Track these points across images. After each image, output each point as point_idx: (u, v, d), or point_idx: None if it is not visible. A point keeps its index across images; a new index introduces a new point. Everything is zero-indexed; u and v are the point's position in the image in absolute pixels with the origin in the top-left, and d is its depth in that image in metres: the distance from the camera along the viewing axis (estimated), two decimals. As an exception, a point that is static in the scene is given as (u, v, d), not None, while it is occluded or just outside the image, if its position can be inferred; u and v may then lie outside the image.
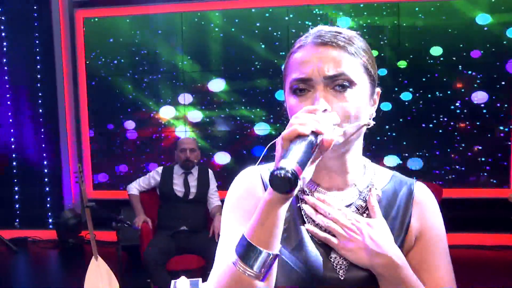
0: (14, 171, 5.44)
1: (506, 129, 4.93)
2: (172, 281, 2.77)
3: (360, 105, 0.90)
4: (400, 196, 0.98)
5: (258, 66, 5.15)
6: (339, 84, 0.88)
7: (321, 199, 0.94)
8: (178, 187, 3.62)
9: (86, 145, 5.44)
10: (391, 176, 1.02)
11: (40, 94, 5.36)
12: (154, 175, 3.74)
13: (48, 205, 5.48)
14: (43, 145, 5.41)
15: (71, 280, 4.34)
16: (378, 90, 0.98)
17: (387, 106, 4.93)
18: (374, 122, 0.96)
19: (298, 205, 0.98)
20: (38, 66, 5.35)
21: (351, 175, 0.98)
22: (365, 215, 0.96)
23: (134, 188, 3.74)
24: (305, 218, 0.96)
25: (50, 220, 5.47)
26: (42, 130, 5.39)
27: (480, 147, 5.03)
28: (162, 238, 3.44)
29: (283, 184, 0.72)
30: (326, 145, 0.81)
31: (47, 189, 5.46)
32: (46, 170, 5.45)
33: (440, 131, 5.02)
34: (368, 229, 0.91)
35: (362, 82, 0.91)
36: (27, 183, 5.45)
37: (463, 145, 5.04)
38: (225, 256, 0.87)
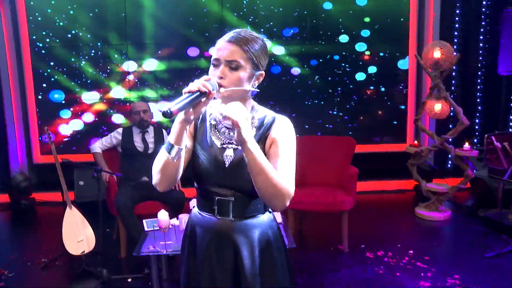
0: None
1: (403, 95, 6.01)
2: (144, 221, 3.40)
3: (242, 79, 1.54)
4: (267, 121, 1.64)
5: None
6: (231, 66, 1.53)
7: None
8: (138, 144, 4.17)
9: (32, 110, 5.71)
10: (268, 113, 1.68)
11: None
12: (115, 135, 4.24)
13: (-6, 171, 5.70)
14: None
15: (30, 237, 4.74)
16: (261, 72, 1.61)
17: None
18: (258, 90, 1.64)
19: (210, 122, 1.68)
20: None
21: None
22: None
23: (98, 147, 4.22)
24: (212, 133, 1.67)
25: (-3, 185, 5.71)
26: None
27: (383, 111, 6.07)
28: (127, 189, 3.99)
29: (164, 114, 1.38)
30: (209, 96, 1.46)
31: (-7, 155, 5.67)
32: (-9, 137, 5.65)
33: (355, 97, 5.99)
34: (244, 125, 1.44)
35: (246, 67, 1.54)
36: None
37: (370, 109, 6.05)
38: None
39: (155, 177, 1.60)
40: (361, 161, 4.94)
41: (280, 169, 1.56)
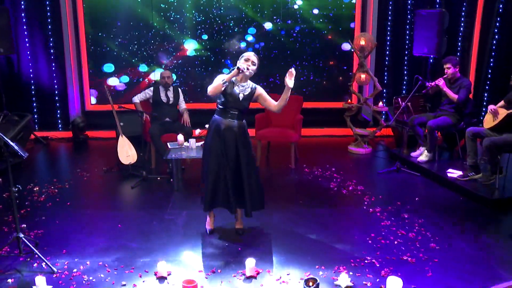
0: (32, 92, 7.96)
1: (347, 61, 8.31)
2: (167, 143, 5.97)
3: (254, 68, 4.09)
4: (254, 87, 4.17)
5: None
6: (252, 63, 4.08)
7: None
8: (163, 97, 6.51)
9: (85, 74, 8.08)
10: (253, 84, 4.17)
11: (51, 39, 7.79)
12: (148, 91, 6.58)
13: (58, 115, 8.10)
14: (54, 74, 7.93)
15: (90, 157, 7.19)
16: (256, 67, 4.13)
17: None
18: (252, 72, 4.09)
19: (234, 82, 4.10)
20: (49, 20, 7.74)
21: (246, 80, 4.12)
22: (246, 92, 4.12)
23: (137, 99, 6.57)
24: (235, 87, 4.10)
25: (60, 125, 8.11)
26: (53, 64, 7.87)
27: (335, 78, 8.37)
28: (156, 125, 6.36)
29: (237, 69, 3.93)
30: (240, 72, 3.98)
31: (57, 104, 8.06)
32: (56, 92, 8.01)
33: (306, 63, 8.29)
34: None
35: (256, 64, 4.10)
36: (42, 100, 8.03)
37: (325, 78, 8.35)
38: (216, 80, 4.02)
39: (209, 91, 3.97)
40: (314, 114, 7.27)
41: (273, 101, 4.09)
